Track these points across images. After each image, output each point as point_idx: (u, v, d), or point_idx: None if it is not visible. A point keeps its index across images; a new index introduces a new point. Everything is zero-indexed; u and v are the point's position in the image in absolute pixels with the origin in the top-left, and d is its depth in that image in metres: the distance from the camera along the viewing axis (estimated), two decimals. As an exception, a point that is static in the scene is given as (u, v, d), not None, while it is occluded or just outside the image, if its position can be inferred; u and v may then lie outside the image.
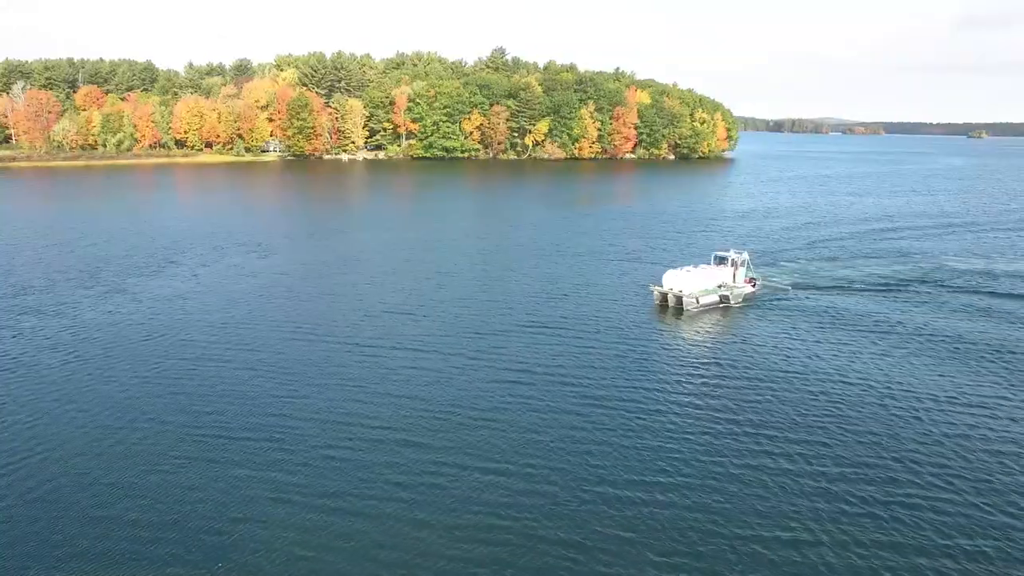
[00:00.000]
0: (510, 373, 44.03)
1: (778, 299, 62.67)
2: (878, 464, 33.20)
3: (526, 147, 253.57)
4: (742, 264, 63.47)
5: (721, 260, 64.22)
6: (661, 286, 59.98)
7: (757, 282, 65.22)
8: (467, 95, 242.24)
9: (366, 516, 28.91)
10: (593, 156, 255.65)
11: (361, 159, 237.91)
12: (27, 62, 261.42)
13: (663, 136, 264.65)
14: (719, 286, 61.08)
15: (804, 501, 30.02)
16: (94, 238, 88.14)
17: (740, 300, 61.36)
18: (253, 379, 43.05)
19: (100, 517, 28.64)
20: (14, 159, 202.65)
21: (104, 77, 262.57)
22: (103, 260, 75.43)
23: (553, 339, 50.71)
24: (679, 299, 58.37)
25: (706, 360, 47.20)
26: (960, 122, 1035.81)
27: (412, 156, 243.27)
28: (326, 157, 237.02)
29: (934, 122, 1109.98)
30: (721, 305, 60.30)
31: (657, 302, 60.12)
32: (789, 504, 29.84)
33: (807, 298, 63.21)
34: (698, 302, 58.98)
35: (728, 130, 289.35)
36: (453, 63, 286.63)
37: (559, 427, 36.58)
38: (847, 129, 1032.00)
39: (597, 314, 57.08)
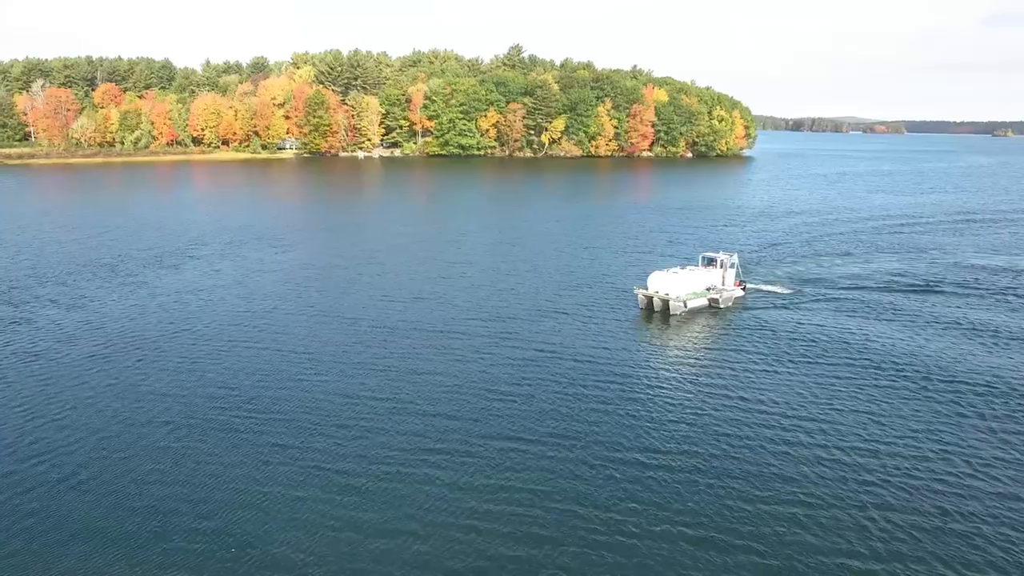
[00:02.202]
0: (525, 354, 45.40)
1: (770, 302, 59.03)
2: (879, 473, 31.42)
3: (542, 145, 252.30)
4: (731, 266, 60.17)
5: (709, 261, 60.51)
6: (646, 288, 56.34)
7: (747, 284, 62.06)
8: (483, 93, 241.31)
9: (398, 482, 29.99)
10: (610, 154, 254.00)
11: (377, 156, 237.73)
12: (46, 60, 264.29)
13: (681, 134, 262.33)
14: (708, 289, 57.48)
15: (799, 509, 28.51)
16: (114, 233, 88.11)
17: (729, 304, 57.67)
18: (282, 362, 43.80)
19: (126, 501, 28.60)
20: (33, 156, 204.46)
21: (122, 75, 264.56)
22: (124, 255, 75.40)
23: (533, 339, 49.48)
24: (665, 303, 54.88)
25: (694, 366, 45.11)
26: (984, 120, 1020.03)
27: (428, 153, 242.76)
28: (342, 154, 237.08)
29: (958, 120, 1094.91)
30: (710, 308, 57.09)
31: (642, 306, 56.31)
32: (784, 512, 28.37)
33: (802, 300, 59.64)
34: (685, 306, 55.45)
35: (746, 128, 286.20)
36: (469, 61, 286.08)
37: (565, 406, 36.52)
38: (868, 128, 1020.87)
39: (582, 315, 54.98)
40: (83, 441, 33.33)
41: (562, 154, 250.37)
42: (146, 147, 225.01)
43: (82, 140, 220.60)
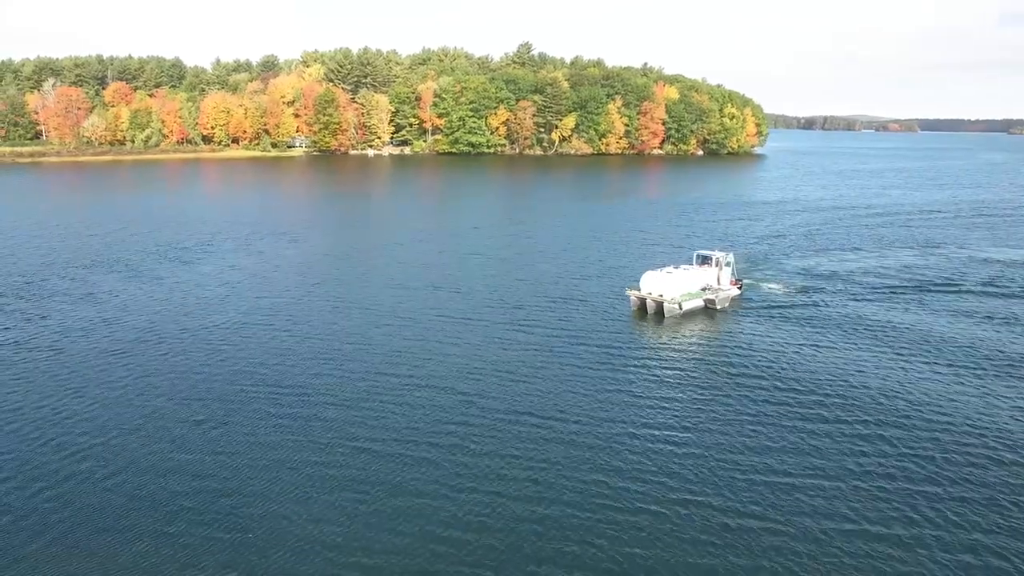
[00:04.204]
0: (532, 342, 45.54)
1: (771, 302, 56.53)
2: (887, 488, 29.75)
3: (552, 142, 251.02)
4: (727, 264, 57.60)
5: (704, 260, 58.18)
6: (638, 290, 53.80)
7: (744, 282, 59.67)
8: (493, 90, 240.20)
9: (424, 454, 31.60)
10: (620, 152, 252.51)
11: (387, 154, 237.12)
12: (57, 60, 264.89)
13: (691, 132, 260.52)
14: (703, 289, 54.89)
15: (802, 522, 27.21)
16: (129, 229, 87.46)
17: (726, 304, 55.11)
18: (303, 349, 44.78)
19: (151, 489, 28.69)
20: (44, 154, 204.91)
21: (133, 74, 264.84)
22: (141, 250, 75.13)
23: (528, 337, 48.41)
24: (659, 304, 52.27)
25: (694, 372, 43.35)
26: (999, 118, 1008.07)
27: (438, 151, 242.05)
28: (352, 152, 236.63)
29: (972, 118, 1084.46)
30: (707, 308, 54.23)
31: (634, 308, 53.77)
32: (785, 529, 27.16)
33: (806, 299, 57.14)
34: (680, 308, 52.69)
35: (758, 126, 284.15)
36: (479, 59, 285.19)
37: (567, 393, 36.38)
38: (881, 126, 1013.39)
39: (584, 310, 53.76)
40: (109, 433, 33.06)
41: (572, 152, 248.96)
42: (156, 145, 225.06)
43: (93, 139, 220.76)
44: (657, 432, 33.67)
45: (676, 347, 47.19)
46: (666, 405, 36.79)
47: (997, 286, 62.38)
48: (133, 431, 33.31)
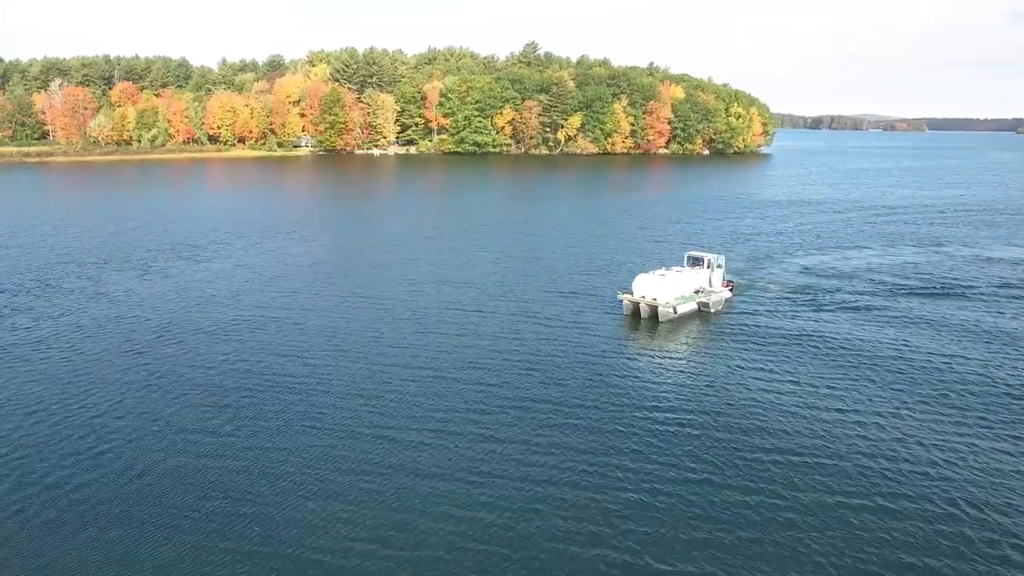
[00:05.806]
0: (545, 331, 46.49)
1: (764, 304, 55.63)
2: (882, 498, 28.97)
3: (558, 142, 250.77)
4: (718, 266, 56.60)
5: (696, 261, 57.20)
6: (631, 293, 52.66)
7: (734, 285, 58.61)
8: (499, 90, 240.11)
9: (442, 438, 32.72)
10: (626, 151, 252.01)
11: (392, 154, 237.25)
12: (64, 60, 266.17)
13: (697, 131, 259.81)
14: (696, 291, 53.90)
15: (802, 500, 27.31)
16: (140, 229, 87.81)
17: (720, 307, 54.14)
18: (321, 341, 45.64)
19: (171, 482, 28.96)
20: (51, 154, 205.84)
21: (139, 74, 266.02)
22: (154, 248, 75.62)
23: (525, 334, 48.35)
24: (653, 308, 51.15)
25: (694, 372, 43.10)
26: (1009, 117, 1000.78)
27: (443, 151, 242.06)
28: (357, 152, 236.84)
29: (981, 118, 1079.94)
30: (700, 311, 53.06)
31: (627, 313, 52.43)
32: (783, 542, 26.92)
33: (801, 302, 56.18)
34: (675, 312, 51.42)
35: (764, 125, 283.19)
36: (485, 58, 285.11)
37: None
38: (888, 126, 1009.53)
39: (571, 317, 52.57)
40: (127, 430, 33.30)
41: (578, 151, 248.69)
42: (162, 145, 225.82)
43: (99, 138, 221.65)
44: (665, 418, 33.97)
45: (675, 348, 46.85)
46: (670, 401, 36.67)
47: (999, 287, 61.64)
48: (152, 427, 33.51)
